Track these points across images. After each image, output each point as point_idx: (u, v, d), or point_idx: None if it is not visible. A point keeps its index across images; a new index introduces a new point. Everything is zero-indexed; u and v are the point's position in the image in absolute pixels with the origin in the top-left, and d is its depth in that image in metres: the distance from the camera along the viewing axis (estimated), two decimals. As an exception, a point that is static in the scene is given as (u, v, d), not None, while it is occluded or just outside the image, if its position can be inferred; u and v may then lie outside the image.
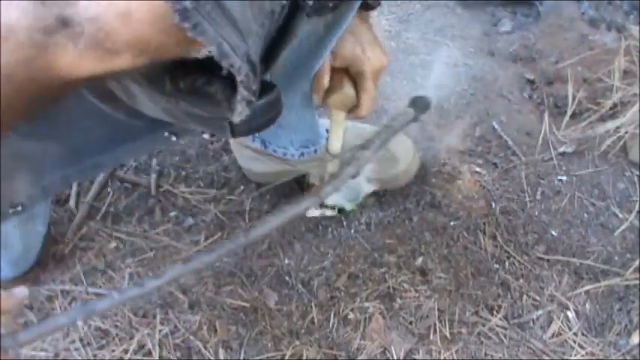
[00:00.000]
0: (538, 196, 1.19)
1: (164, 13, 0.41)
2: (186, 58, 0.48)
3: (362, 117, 0.92)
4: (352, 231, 1.12)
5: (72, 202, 1.12)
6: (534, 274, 1.07)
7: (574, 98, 1.29)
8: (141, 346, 0.97)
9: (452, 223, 1.13)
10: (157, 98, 0.60)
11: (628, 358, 0.98)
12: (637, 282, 1.06)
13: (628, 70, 1.34)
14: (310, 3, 0.55)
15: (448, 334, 0.99)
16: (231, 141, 1.15)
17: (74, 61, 0.42)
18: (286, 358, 0.96)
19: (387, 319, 1.01)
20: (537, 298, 1.04)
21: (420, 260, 1.08)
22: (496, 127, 1.28)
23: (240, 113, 0.55)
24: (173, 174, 1.17)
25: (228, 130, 0.61)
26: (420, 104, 0.84)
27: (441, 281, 1.05)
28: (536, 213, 1.16)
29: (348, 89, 0.89)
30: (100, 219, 1.11)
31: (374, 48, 0.87)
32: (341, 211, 1.12)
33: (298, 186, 1.14)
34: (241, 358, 0.96)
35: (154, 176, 1.16)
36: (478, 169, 1.22)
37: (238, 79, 0.50)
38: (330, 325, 1.00)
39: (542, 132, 1.27)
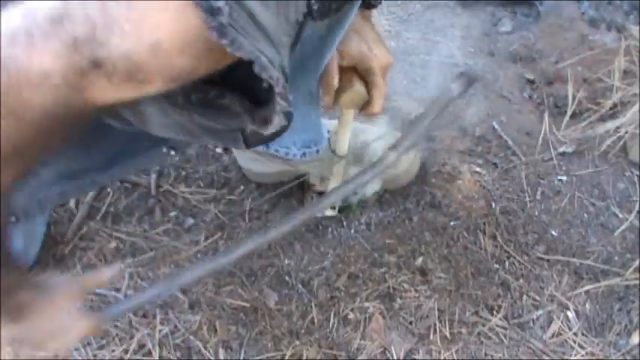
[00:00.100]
0: (538, 196, 1.19)
1: (193, 40, 0.42)
2: None
3: (375, 114, 0.92)
4: (352, 231, 1.12)
5: (72, 202, 1.12)
6: (534, 274, 1.07)
7: (574, 98, 1.29)
8: (141, 346, 0.97)
9: (452, 223, 1.13)
10: (169, 112, 0.59)
11: (628, 358, 0.98)
12: (637, 282, 1.06)
13: (628, 70, 1.34)
14: (315, 7, 0.55)
15: (448, 334, 0.99)
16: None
17: (108, 94, 0.44)
18: (286, 358, 0.96)
19: (387, 319, 1.01)
20: (537, 298, 1.04)
21: (420, 260, 1.08)
22: (496, 127, 1.28)
23: (275, 125, 0.55)
24: (173, 174, 1.17)
25: (241, 141, 0.62)
26: (466, 79, 0.84)
27: (441, 281, 1.05)
28: (536, 213, 1.16)
29: (358, 87, 0.89)
30: (100, 219, 1.11)
31: (379, 45, 0.88)
32: (341, 210, 1.12)
33: (298, 186, 1.14)
34: (241, 358, 0.96)
35: (153, 176, 1.16)
36: (478, 169, 1.22)
37: (276, 90, 0.50)
38: (330, 325, 1.00)
39: (542, 132, 1.27)
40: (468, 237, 1.11)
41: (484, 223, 1.13)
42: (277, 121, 0.55)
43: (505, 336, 1.00)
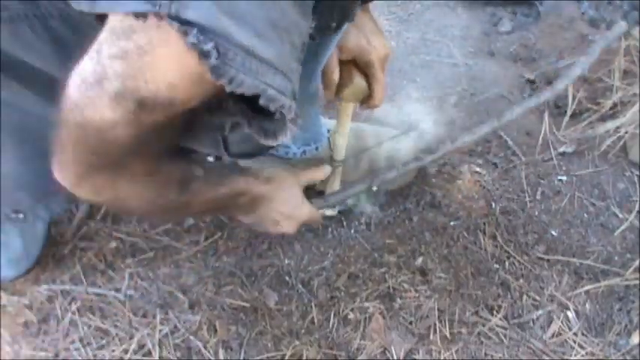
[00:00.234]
0: (538, 196, 1.19)
1: (201, 74, 0.50)
2: None
3: (376, 106, 0.93)
4: (352, 231, 1.12)
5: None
6: (534, 274, 1.07)
7: (574, 98, 1.29)
8: (141, 346, 0.96)
9: (452, 223, 1.13)
10: None
11: (628, 358, 0.98)
12: (637, 282, 1.06)
13: (628, 70, 1.34)
14: (312, 25, 0.58)
15: (448, 334, 0.99)
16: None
17: (163, 117, 0.54)
18: (286, 358, 0.96)
19: (387, 319, 1.01)
20: (537, 298, 1.04)
21: (420, 260, 1.08)
22: (496, 127, 1.28)
23: (279, 140, 0.61)
24: (173, 174, 1.17)
25: (221, 146, 0.67)
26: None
27: (441, 281, 1.05)
28: (536, 213, 1.16)
29: (358, 80, 0.89)
30: (100, 219, 1.11)
31: (378, 37, 0.88)
32: (341, 210, 1.12)
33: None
34: (241, 358, 0.96)
35: (154, 176, 1.16)
36: (478, 169, 1.22)
37: (288, 117, 0.58)
38: (330, 325, 1.00)
39: (542, 132, 1.27)
40: (468, 237, 1.11)
41: (484, 223, 1.13)
42: (283, 137, 0.61)
43: (505, 336, 1.00)
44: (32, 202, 0.97)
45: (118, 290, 1.02)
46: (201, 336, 0.98)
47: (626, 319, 1.03)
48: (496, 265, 1.08)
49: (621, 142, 1.24)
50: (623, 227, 1.14)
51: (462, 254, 1.09)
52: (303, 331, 0.99)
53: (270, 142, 0.62)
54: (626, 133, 1.23)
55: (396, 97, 1.33)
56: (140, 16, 0.47)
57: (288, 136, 0.61)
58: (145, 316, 1.00)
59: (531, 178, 1.21)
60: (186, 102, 0.53)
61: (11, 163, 0.85)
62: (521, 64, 1.43)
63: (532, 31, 1.50)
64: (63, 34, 0.68)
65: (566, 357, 0.98)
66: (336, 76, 0.90)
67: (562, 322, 1.02)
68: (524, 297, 1.04)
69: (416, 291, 1.04)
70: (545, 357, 0.98)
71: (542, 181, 1.21)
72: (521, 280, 1.06)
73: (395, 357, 0.97)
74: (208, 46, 0.47)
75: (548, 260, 1.09)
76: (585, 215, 1.16)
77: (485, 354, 0.98)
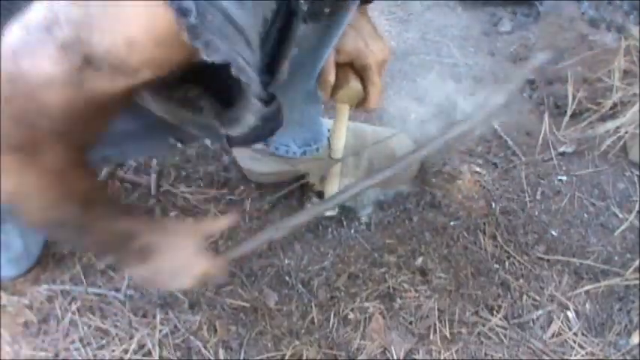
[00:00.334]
0: (538, 196, 1.19)
1: (167, 35, 0.45)
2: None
3: (371, 109, 0.93)
4: (352, 231, 1.12)
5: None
6: (534, 274, 1.07)
7: (574, 98, 1.29)
8: (141, 346, 0.96)
9: (452, 223, 1.13)
10: (158, 102, 0.62)
11: (628, 358, 0.98)
12: (637, 282, 1.06)
13: (628, 70, 1.34)
14: (304, 8, 0.56)
15: (448, 334, 0.99)
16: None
17: (106, 85, 0.48)
18: (286, 358, 0.96)
19: (387, 319, 1.01)
20: (537, 298, 1.04)
21: (420, 260, 1.08)
22: (496, 127, 1.28)
23: (244, 125, 0.57)
24: (173, 174, 1.17)
25: (224, 138, 0.64)
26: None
27: (441, 281, 1.05)
28: (536, 213, 1.16)
29: (354, 83, 0.89)
30: (100, 219, 1.11)
31: (376, 40, 0.88)
32: (341, 210, 1.12)
33: (298, 186, 1.14)
34: (241, 358, 0.96)
35: (154, 176, 1.16)
36: (478, 169, 1.22)
37: (252, 89, 0.53)
38: (330, 325, 1.00)
39: (542, 132, 1.27)
40: (468, 237, 1.11)
41: (484, 223, 1.13)
42: (247, 120, 0.57)
43: (505, 336, 1.00)
44: None
45: (117, 290, 1.02)
46: (201, 336, 0.98)
47: (626, 319, 1.03)
48: (496, 265, 1.08)
49: (621, 142, 1.24)
50: (623, 227, 1.14)
51: (462, 254, 1.09)
52: (303, 331, 0.99)
53: (236, 131, 0.58)
54: (626, 133, 1.23)
55: (396, 97, 1.33)
56: None
57: (254, 119, 0.56)
58: (144, 316, 1.00)
59: (531, 178, 1.21)
60: (136, 70, 0.47)
61: None
62: (521, 64, 1.43)
63: (532, 31, 1.50)
64: None
65: (566, 357, 0.98)
66: (331, 77, 0.90)
67: (562, 322, 1.02)
68: (524, 297, 1.04)
69: (416, 291, 1.04)
70: (545, 357, 0.98)
71: (542, 181, 1.21)
72: (521, 280, 1.06)
73: (395, 357, 0.97)
74: (189, 2, 0.43)
75: (548, 260, 1.09)
76: (585, 215, 1.16)
77: (485, 354, 0.98)
